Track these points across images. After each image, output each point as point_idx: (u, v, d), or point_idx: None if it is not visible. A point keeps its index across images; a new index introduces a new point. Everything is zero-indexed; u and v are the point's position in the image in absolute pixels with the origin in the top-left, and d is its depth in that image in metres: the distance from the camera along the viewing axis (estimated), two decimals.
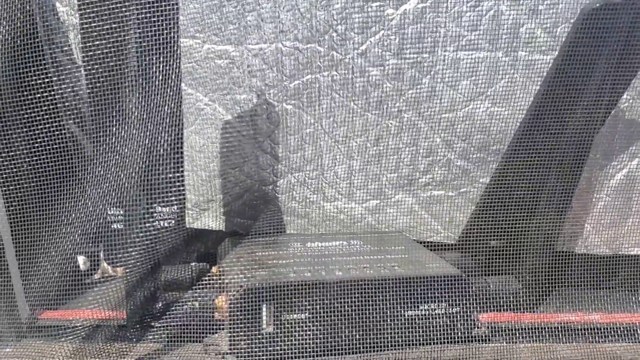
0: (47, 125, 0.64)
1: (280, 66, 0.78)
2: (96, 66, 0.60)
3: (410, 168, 0.83)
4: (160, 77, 0.58)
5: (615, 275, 0.83)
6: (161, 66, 0.58)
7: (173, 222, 0.72)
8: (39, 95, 0.65)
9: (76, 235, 0.66)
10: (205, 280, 0.72)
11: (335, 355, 0.64)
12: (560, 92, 0.65)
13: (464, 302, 0.68)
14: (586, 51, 0.62)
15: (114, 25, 0.58)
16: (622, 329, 0.74)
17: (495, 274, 0.75)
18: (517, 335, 0.72)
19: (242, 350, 0.63)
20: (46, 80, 0.65)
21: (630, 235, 0.83)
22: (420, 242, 0.83)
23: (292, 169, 0.85)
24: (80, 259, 0.75)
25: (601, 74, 0.63)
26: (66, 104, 0.68)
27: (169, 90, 0.59)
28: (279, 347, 0.63)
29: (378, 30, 0.76)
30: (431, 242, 0.86)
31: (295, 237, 0.82)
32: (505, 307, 0.73)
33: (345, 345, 0.64)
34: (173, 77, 0.59)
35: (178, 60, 0.61)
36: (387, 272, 0.67)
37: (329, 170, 0.84)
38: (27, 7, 0.67)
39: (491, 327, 0.71)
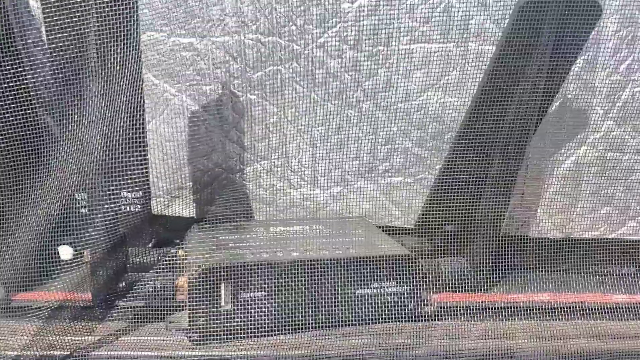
0: (16, 113, 0.67)
1: (243, 58, 0.82)
2: (60, 57, 0.63)
3: (370, 156, 0.87)
4: (119, 67, 0.61)
5: (565, 258, 0.87)
6: (120, 56, 0.61)
7: (138, 207, 0.76)
8: (12, 84, 0.68)
9: (44, 220, 0.70)
10: (169, 262, 0.76)
11: (289, 331, 0.68)
12: (500, 81, 0.69)
13: (414, 281, 0.71)
14: (522, 42, 0.66)
15: (74, 18, 0.62)
16: (571, 308, 0.78)
17: (448, 256, 0.79)
18: (467, 314, 0.75)
19: (202, 326, 0.67)
20: (18, 70, 0.68)
21: (580, 220, 0.87)
22: (380, 227, 0.87)
23: (258, 157, 0.88)
24: (62, 250, 0.79)
25: (537, 64, 0.67)
26: (37, 92, 0.72)
27: (128, 79, 0.62)
28: (236, 323, 0.67)
29: (335, 23, 0.79)
30: (390, 227, 0.90)
31: (260, 222, 0.85)
32: (455, 287, 0.77)
33: (298, 322, 0.68)
34: (132, 66, 0.63)
35: (138, 51, 0.64)
36: (340, 252, 0.71)
37: (293, 158, 0.88)
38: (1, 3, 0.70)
39: (441, 306, 0.75)
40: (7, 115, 0.67)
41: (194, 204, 0.93)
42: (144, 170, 0.74)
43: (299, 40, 0.80)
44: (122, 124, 0.64)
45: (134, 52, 0.64)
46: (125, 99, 0.62)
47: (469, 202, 0.77)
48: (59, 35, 0.62)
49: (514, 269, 0.81)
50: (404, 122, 0.83)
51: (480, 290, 0.78)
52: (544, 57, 0.66)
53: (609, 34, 0.78)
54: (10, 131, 0.67)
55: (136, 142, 0.70)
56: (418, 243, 0.85)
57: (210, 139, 0.88)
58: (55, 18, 0.61)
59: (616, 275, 0.86)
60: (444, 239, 0.80)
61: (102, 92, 0.61)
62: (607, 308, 0.78)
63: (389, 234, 0.82)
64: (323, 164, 0.88)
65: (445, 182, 0.79)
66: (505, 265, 0.79)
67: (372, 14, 0.78)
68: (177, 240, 0.83)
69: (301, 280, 0.69)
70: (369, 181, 0.88)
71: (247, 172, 0.89)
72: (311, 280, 0.69)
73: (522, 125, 0.70)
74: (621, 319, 0.77)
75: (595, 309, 0.77)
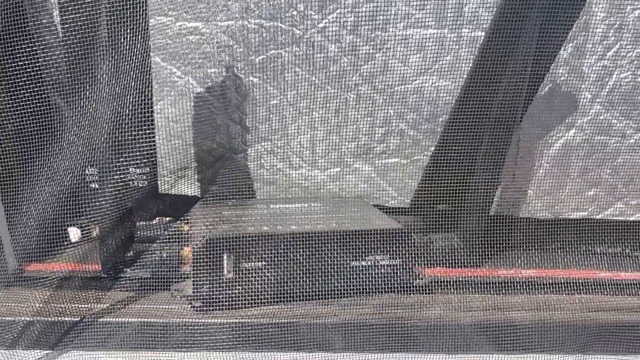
0: (29, 90, 0.71)
1: (246, 42, 0.85)
2: (72, 38, 0.67)
3: (367, 138, 0.90)
4: (128, 47, 0.65)
5: (555, 237, 0.90)
6: (129, 36, 0.65)
7: (145, 182, 0.80)
8: (25, 64, 0.71)
9: (56, 193, 0.73)
10: (175, 234, 0.80)
11: (287, 300, 0.72)
12: (489, 66, 0.72)
13: (406, 254, 0.75)
14: (510, 28, 0.69)
15: (86, 2, 0.65)
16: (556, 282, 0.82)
17: (440, 232, 0.82)
18: (457, 286, 0.79)
19: (205, 294, 0.70)
20: (31, 51, 0.72)
21: (570, 200, 0.91)
22: (377, 206, 0.91)
23: (260, 139, 0.92)
24: (71, 231, 0.83)
25: (524, 50, 0.70)
26: (48, 72, 0.75)
27: (137, 58, 0.66)
28: (237, 291, 0.71)
29: (334, 9, 0.83)
30: (387, 207, 0.93)
31: (262, 200, 0.89)
32: (446, 262, 0.81)
33: (296, 291, 0.72)
34: (141, 46, 0.66)
35: (146, 32, 0.68)
36: (336, 225, 0.75)
37: (293, 139, 0.91)
38: None
39: (433, 280, 0.79)
40: (21, 94, 0.71)
41: (199, 183, 0.96)
42: (151, 147, 0.77)
43: (299, 25, 0.84)
44: (130, 101, 0.68)
45: (142, 33, 0.68)
46: (133, 76, 0.66)
47: (461, 182, 0.81)
48: (71, 17, 0.66)
49: (505, 247, 0.85)
50: (400, 105, 0.87)
51: (472, 265, 0.82)
52: (531, 43, 0.69)
53: (597, 21, 0.81)
54: (24, 109, 0.71)
55: (144, 119, 0.74)
56: (412, 220, 0.89)
57: (214, 120, 0.91)
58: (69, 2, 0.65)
59: (603, 253, 0.90)
60: (437, 217, 0.84)
61: (112, 70, 0.65)
62: (594, 284, 0.82)
63: (385, 212, 0.86)
64: (322, 145, 0.91)
65: (438, 163, 0.83)
66: (495, 243, 0.83)
67: (370, 1, 0.82)
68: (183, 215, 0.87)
69: (299, 252, 0.72)
70: (366, 162, 0.92)
71: (249, 152, 0.93)
72: (309, 252, 0.73)
73: (510, 109, 0.73)
74: (606, 294, 0.80)
75: (582, 284, 0.81)
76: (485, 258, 0.83)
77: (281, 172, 0.94)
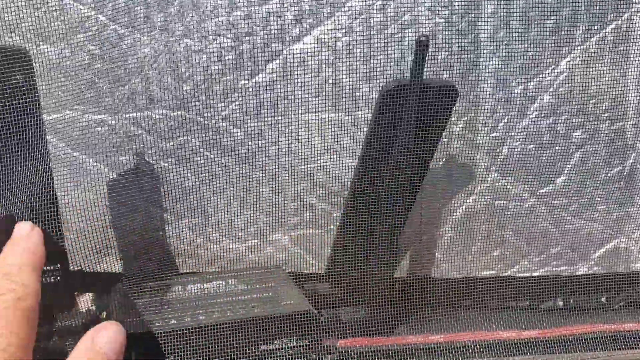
0: None
1: (154, 131, 0.88)
2: None
3: (282, 211, 0.94)
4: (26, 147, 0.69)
5: (465, 296, 0.95)
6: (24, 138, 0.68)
7: (58, 278, 0.82)
8: None
9: None
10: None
11: None
12: (377, 145, 0.77)
13: (315, 333, 0.79)
14: (389, 121, 0.74)
15: None
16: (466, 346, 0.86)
17: (348, 305, 0.86)
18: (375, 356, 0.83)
19: None
20: None
21: (476, 260, 0.95)
22: (296, 274, 0.94)
23: (178, 217, 0.95)
24: None
25: (406, 138, 0.75)
26: None
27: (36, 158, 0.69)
28: None
29: (236, 98, 0.86)
30: (305, 274, 0.97)
31: (178, 281, 0.92)
32: (357, 333, 0.85)
33: None
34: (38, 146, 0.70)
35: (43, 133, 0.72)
36: (245, 312, 0.78)
37: (211, 216, 0.94)
38: None
39: (344, 351, 0.83)
40: None
41: (122, 261, 0.99)
42: (60, 243, 0.80)
43: (204, 113, 0.87)
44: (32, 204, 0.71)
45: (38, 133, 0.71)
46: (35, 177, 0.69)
47: (364, 252, 0.85)
48: None
49: (414, 311, 0.89)
50: (308, 182, 0.91)
51: (381, 334, 0.86)
52: (410, 133, 0.74)
53: (487, 95, 0.86)
54: None
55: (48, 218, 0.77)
56: (329, 289, 0.93)
57: (131, 202, 0.94)
58: None
59: (512, 309, 0.95)
60: (348, 287, 0.88)
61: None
62: (500, 345, 0.86)
63: (304, 280, 0.90)
64: (239, 220, 0.95)
65: (344, 235, 0.87)
66: (404, 308, 0.87)
67: (269, 89, 0.85)
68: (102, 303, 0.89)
69: (209, 342, 0.75)
70: (283, 234, 0.95)
71: (168, 229, 0.96)
72: (217, 341, 0.76)
73: (404, 181, 0.78)
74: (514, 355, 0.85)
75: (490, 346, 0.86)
76: (394, 325, 0.87)
77: (201, 247, 0.97)
